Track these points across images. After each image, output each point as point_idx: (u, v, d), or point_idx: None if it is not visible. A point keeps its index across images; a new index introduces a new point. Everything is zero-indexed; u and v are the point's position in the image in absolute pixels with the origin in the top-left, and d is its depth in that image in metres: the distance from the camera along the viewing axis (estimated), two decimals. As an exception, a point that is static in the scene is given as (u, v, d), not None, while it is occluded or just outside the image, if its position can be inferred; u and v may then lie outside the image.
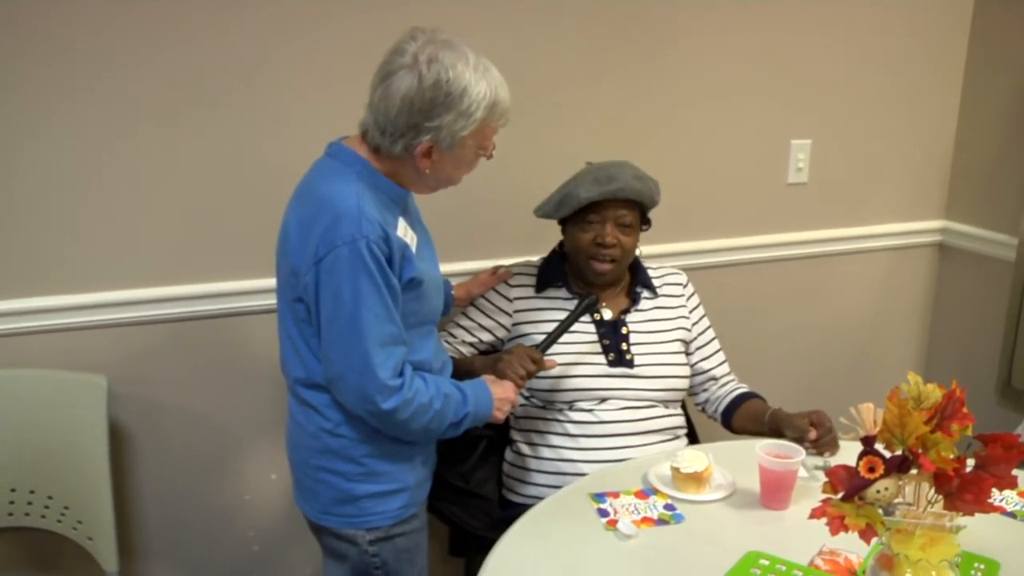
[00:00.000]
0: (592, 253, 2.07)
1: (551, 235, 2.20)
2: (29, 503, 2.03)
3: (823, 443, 1.93)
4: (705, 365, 2.22)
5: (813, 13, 2.64)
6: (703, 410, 2.26)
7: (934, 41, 2.85)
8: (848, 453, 1.88)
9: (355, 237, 1.56)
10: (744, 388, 2.22)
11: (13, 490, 2.01)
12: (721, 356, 2.25)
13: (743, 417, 2.15)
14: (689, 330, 2.21)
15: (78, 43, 1.92)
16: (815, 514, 1.39)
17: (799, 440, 1.92)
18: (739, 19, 2.55)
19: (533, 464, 2.10)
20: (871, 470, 1.37)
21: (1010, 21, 2.76)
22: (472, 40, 1.65)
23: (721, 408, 2.20)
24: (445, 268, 1.96)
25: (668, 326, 2.18)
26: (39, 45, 1.90)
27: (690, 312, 2.23)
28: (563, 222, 2.13)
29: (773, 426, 2.03)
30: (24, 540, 2.13)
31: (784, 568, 1.56)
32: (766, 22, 2.59)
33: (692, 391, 2.25)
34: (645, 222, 2.14)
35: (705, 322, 2.25)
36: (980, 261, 2.93)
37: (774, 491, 1.77)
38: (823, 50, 2.69)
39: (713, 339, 2.25)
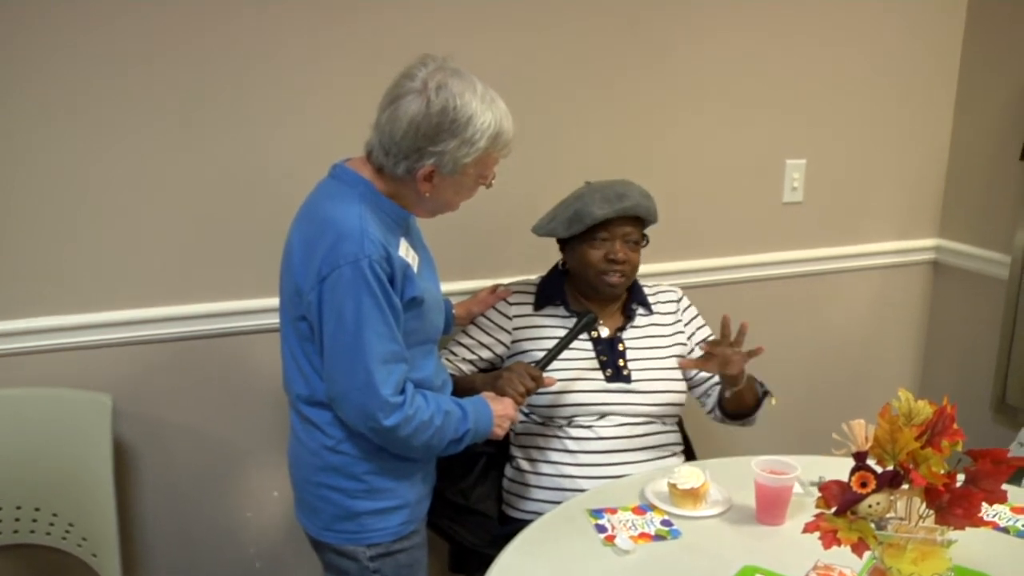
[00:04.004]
0: (603, 269, 2.10)
1: (550, 254, 2.23)
2: (34, 520, 2.05)
3: (722, 348, 2.00)
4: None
5: (807, 33, 2.68)
6: (713, 415, 2.28)
7: (927, 61, 2.88)
8: (840, 468, 1.90)
9: (358, 257, 1.59)
10: None
11: (19, 507, 2.04)
12: None
13: (728, 400, 2.16)
14: (686, 344, 2.24)
15: (75, 53, 1.95)
16: (808, 528, 1.42)
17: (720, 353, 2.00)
18: (734, 39, 2.59)
19: (532, 480, 2.12)
20: (863, 485, 1.40)
21: (1002, 41, 2.80)
22: (470, 61, 1.69)
23: (716, 405, 2.22)
24: (445, 287, 1.98)
25: (664, 343, 2.20)
26: (32, 64, 1.93)
27: (685, 326, 2.25)
28: (566, 241, 2.16)
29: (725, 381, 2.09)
30: (30, 557, 2.14)
31: (779, 582, 1.58)
32: (761, 42, 2.62)
33: (701, 399, 2.26)
34: (645, 239, 2.18)
35: (706, 331, 2.27)
36: (974, 279, 2.95)
37: (769, 507, 1.79)
38: (817, 70, 2.73)
39: None
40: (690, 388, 2.24)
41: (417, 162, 1.64)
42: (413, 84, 1.62)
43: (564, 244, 2.17)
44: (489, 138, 1.64)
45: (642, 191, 2.11)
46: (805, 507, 1.78)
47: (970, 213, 2.96)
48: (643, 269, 2.24)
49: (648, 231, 2.18)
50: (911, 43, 2.84)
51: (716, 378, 2.24)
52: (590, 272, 2.12)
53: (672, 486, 1.85)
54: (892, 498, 1.41)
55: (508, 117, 1.68)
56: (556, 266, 2.23)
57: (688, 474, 1.85)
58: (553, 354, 1.99)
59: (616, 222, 2.08)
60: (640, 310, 2.22)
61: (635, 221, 2.11)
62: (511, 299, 2.21)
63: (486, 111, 1.63)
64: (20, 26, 1.91)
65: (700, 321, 2.29)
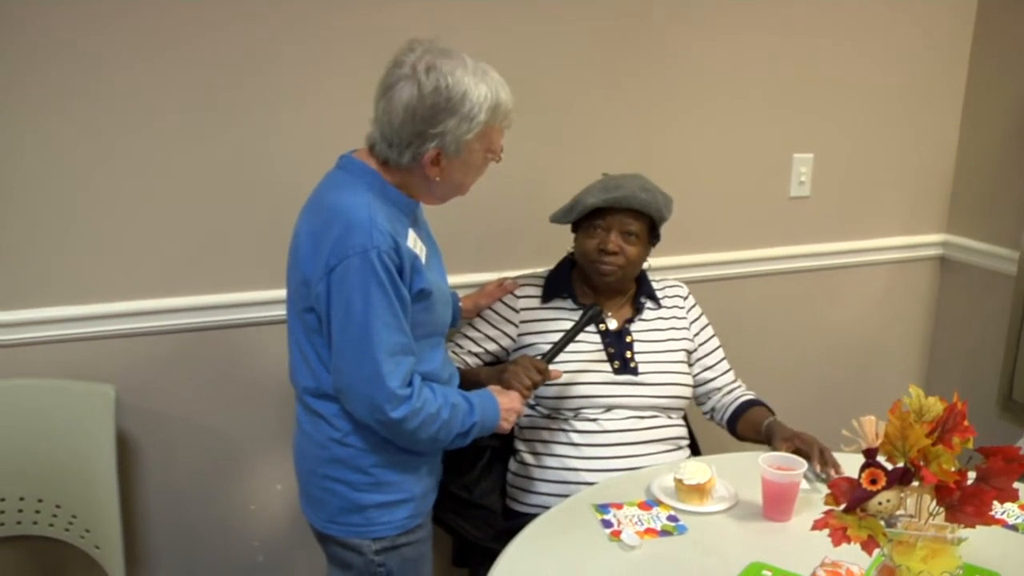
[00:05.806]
0: (595, 258, 2.10)
1: (558, 247, 2.22)
2: (37, 512, 2.05)
3: (825, 462, 1.95)
4: (707, 375, 2.24)
5: (816, 27, 2.67)
6: (711, 418, 2.28)
7: (936, 56, 2.87)
8: (850, 465, 1.89)
9: (366, 247, 1.57)
10: (750, 396, 2.23)
11: (22, 499, 2.03)
12: (725, 365, 2.27)
13: (745, 425, 2.17)
14: (691, 340, 2.23)
15: (78, 48, 1.94)
16: (817, 526, 1.40)
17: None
18: (743, 34, 2.57)
19: (537, 473, 2.11)
20: (873, 482, 1.38)
21: (1012, 36, 2.78)
22: (480, 57, 1.67)
23: (726, 416, 2.21)
24: (452, 280, 1.98)
25: (672, 336, 2.20)
26: (37, 52, 1.91)
27: (691, 324, 2.25)
28: (575, 229, 2.16)
29: (768, 436, 2.06)
30: (32, 548, 2.14)
31: (787, 579, 1.57)
32: (769, 36, 2.61)
33: (698, 400, 2.27)
34: (656, 236, 2.16)
35: (708, 332, 2.27)
36: (981, 275, 2.94)
37: (776, 503, 1.78)
38: (825, 64, 2.71)
39: (716, 348, 2.27)
40: (694, 386, 2.23)
41: (420, 147, 1.63)
42: (402, 71, 1.61)
43: (575, 233, 2.17)
44: (488, 111, 1.63)
45: (644, 185, 2.09)
46: (812, 503, 1.77)
47: (978, 208, 2.95)
48: (650, 263, 2.23)
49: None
50: (920, 37, 2.83)
51: (713, 385, 2.24)
52: (585, 261, 2.13)
53: (678, 481, 1.84)
54: (902, 495, 1.40)
55: (504, 87, 1.66)
56: (566, 257, 2.22)
57: (694, 469, 1.84)
58: (559, 347, 1.98)
59: (614, 213, 2.07)
60: (649, 303, 2.21)
61: (636, 214, 2.09)
62: (519, 292, 2.20)
63: (480, 84, 1.62)
64: (21, 25, 1.89)
65: (704, 321, 2.28)
